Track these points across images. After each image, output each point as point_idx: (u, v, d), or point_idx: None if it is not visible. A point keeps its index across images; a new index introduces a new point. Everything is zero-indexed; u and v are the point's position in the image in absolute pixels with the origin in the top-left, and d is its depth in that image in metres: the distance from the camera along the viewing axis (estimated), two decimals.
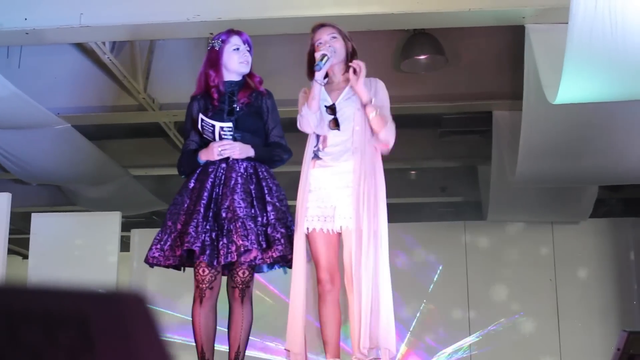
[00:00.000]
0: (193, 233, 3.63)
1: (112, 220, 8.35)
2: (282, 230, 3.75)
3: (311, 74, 3.87)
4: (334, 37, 3.88)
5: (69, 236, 8.26)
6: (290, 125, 4.02)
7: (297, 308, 3.71)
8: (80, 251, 8.16)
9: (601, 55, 4.02)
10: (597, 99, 4.78)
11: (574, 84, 4.34)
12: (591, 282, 9.52)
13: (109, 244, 8.23)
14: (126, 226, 9.37)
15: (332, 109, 3.83)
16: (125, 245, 9.56)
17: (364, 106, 3.76)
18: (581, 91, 4.54)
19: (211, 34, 4.09)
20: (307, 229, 3.75)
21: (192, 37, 5.92)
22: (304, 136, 3.90)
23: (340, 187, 3.73)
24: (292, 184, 3.98)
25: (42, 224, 8.39)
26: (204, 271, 3.69)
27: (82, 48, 6.44)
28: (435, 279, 9.69)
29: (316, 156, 3.82)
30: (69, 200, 9.62)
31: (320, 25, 3.95)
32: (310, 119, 3.77)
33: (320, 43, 3.87)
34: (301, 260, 3.71)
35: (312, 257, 3.79)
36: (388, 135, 3.78)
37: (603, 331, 9.25)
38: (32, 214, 8.55)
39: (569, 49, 3.98)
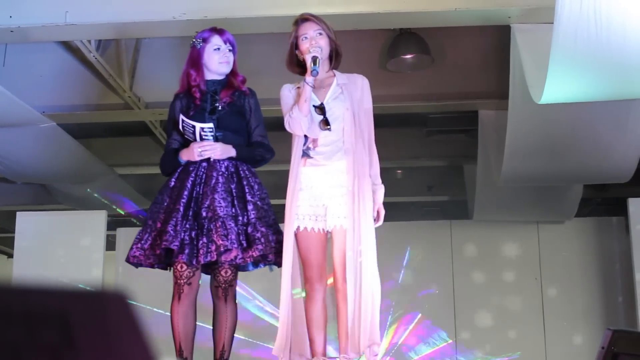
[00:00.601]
0: (172, 232, 3.61)
1: (98, 219, 8.34)
2: (263, 229, 3.73)
3: (291, 65, 3.87)
4: (320, 34, 3.83)
5: (54, 235, 8.25)
6: (276, 124, 4.01)
7: (282, 309, 3.70)
8: (66, 250, 8.14)
9: (586, 56, 4.04)
10: (582, 99, 4.80)
11: (559, 83, 4.36)
12: (576, 281, 9.56)
13: (94, 242, 8.21)
14: (112, 225, 9.35)
15: (321, 109, 3.80)
16: (110, 244, 9.54)
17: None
18: (566, 91, 4.56)
19: (197, 32, 4.08)
20: (298, 227, 3.74)
21: (178, 36, 5.91)
22: (289, 134, 3.88)
23: (333, 186, 3.71)
24: (283, 182, 3.95)
25: (27, 222, 8.37)
26: (182, 267, 3.68)
27: (68, 46, 6.41)
28: (420, 277, 9.70)
29: (307, 155, 3.80)
30: (55, 198, 9.58)
31: (305, 19, 3.89)
32: (302, 122, 3.73)
33: (306, 38, 3.82)
34: (289, 260, 3.70)
35: (300, 255, 3.77)
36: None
37: (588, 329, 9.30)
38: (17, 213, 8.53)
39: (554, 49, 4.00)
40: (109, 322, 0.83)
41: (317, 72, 3.70)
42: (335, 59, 3.91)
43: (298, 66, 3.88)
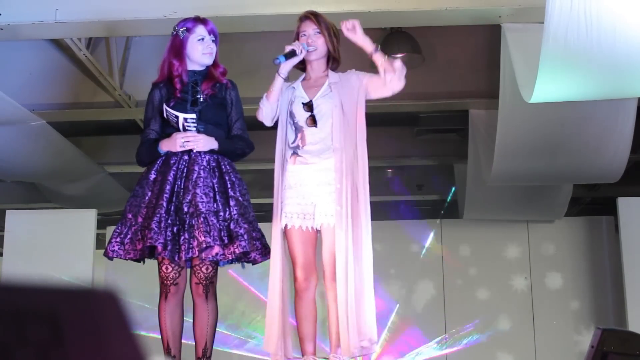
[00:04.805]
0: (156, 229, 3.57)
1: (88, 218, 8.31)
2: (245, 225, 3.69)
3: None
4: (318, 33, 3.83)
5: (44, 234, 8.21)
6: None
7: (274, 307, 3.71)
8: (56, 249, 8.11)
9: (576, 55, 4.05)
10: (572, 99, 4.81)
11: (549, 83, 4.37)
12: (566, 280, 9.59)
13: (84, 241, 8.18)
14: (102, 223, 9.32)
15: (309, 106, 3.80)
16: (101, 242, 9.50)
17: (372, 54, 3.75)
18: (556, 90, 4.57)
19: (180, 20, 4.03)
20: (286, 225, 3.74)
21: (168, 34, 5.90)
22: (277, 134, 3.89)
23: (321, 184, 3.71)
24: (270, 181, 3.95)
25: (17, 221, 8.34)
26: (167, 268, 3.67)
27: (58, 44, 6.39)
28: (410, 276, 9.71)
29: (295, 153, 3.80)
30: (44, 197, 9.55)
31: (306, 16, 3.90)
32: (265, 110, 3.78)
33: (305, 35, 3.84)
34: (278, 258, 3.70)
35: (289, 253, 3.78)
36: (400, 76, 3.78)
37: (577, 329, 9.33)
38: (7, 211, 8.48)
39: (544, 48, 4.01)
40: (99, 320, 0.83)
41: (279, 62, 3.71)
42: (333, 61, 3.91)
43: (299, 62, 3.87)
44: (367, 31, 6.24)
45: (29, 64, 6.55)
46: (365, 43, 3.77)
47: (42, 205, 9.60)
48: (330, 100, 3.79)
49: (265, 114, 3.79)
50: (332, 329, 3.67)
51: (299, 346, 3.82)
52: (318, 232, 3.76)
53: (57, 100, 6.73)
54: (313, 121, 3.78)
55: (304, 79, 3.91)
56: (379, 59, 3.75)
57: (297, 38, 3.86)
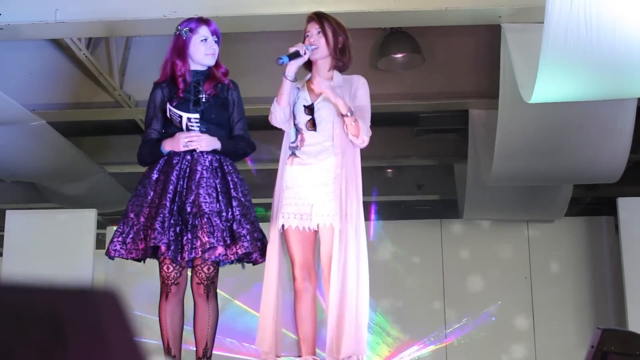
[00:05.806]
0: (159, 229, 3.56)
1: (88, 218, 8.32)
2: (248, 226, 3.69)
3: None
4: (319, 32, 3.81)
5: (44, 234, 8.21)
6: (264, 122, 3.99)
7: (268, 306, 3.71)
8: (56, 249, 8.11)
9: (576, 55, 4.05)
10: (572, 99, 4.81)
11: (549, 83, 4.37)
12: (566, 280, 9.59)
13: (84, 241, 8.19)
14: (102, 223, 9.32)
15: (309, 109, 3.80)
16: (100, 242, 9.51)
17: (342, 116, 3.69)
18: (556, 91, 4.57)
19: (183, 20, 4.03)
20: (283, 226, 3.74)
21: (168, 34, 5.90)
22: (277, 134, 3.88)
23: (318, 184, 3.71)
24: (270, 181, 3.95)
25: (16, 221, 8.34)
26: (168, 268, 3.66)
27: (58, 44, 6.39)
28: (411, 277, 9.71)
29: (294, 154, 3.80)
30: (44, 197, 9.55)
31: (312, 17, 3.87)
32: (277, 115, 3.75)
33: (308, 36, 3.83)
34: (275, 257, 3.70)
35: (288, 254, 3.78)
36: (363, 139, 3.74)
37: (578, 329, 9.33)
38: (7, 211, 8.49)
39: (544, 48, 4.01)
40: (99, 320, 0.83)
41: (282, 62, 3.67)
42: (337, 61, 3.88)
43: (305, 62, 3.87)
44: (367, 31, 6.31)
45: (29, 64, 6.55)
46: (340, 105, 3.70)
47: (42, 205, 9.60)
48: (330, 105, 3.78)
49: (279, 119, 3.76)
50: (330, 331, 3.66)
51: (295, 345, 3.83)
52: (316, 232, 3.75)
53: (57, 100, 6.73)
54: (312, 125, 3.77)
55: (309, 79, 3.91)
56: (347, 120, 3.69)
57: (304, 39, 3.86)
